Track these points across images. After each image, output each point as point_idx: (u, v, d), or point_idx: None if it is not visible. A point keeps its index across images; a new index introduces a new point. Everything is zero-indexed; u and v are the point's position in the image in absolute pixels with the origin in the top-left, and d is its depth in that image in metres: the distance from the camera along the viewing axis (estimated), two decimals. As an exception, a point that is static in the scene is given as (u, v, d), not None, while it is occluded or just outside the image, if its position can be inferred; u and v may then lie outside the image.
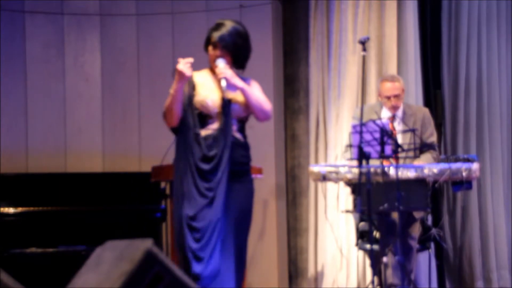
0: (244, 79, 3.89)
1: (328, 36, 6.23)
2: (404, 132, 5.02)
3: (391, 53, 5.99)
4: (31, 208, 5.86)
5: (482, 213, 6.10)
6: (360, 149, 4.54)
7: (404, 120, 5.13)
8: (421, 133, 5.14)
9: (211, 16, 6.66)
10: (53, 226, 5.87)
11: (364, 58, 4.82)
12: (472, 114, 6.17)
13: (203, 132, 3.76)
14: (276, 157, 6.49)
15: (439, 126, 6.25)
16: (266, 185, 6.25)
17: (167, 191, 5.81)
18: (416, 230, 5.03)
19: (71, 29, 6.70)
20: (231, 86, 3.79)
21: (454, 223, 6.16)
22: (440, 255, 6.04)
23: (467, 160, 4.81)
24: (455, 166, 4.75)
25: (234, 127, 3.80)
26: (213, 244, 3.65)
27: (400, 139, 4.97)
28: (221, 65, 3.81)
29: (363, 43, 4.77)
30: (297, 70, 6.54)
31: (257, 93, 3.85)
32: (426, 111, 5.36)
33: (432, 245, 5.43)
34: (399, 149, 4.75)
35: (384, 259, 4.76)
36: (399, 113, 5.21)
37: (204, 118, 3.79)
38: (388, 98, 5.15)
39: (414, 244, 5.00)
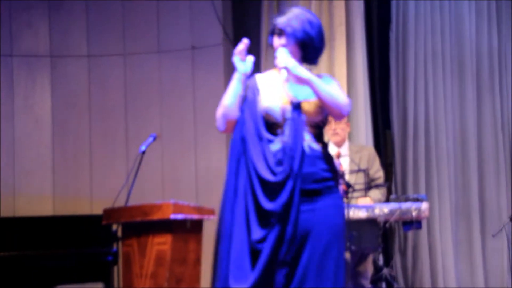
0: (317, 76, 3.13)
1: (279, 77, 6.26)
2: (353, 172, 5.07)
3: (341, 93, 6.06)
4: (-22, 254, 5.74)
5: (432, 252, 6.17)
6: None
7: (350, 157, 5.19)
8: (368, 170, 5.20)
9: (163, 57, 6.69)
10: (1, 272, 5.74)
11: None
12: (420, 154, 6.27)
13: (272, 147, 3.06)
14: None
15: (389, 165, 6.34)
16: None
17: (119, 234, 5.75)
18: (368, 270, 5.06)
19: (21, 71, 6.65)
20: (297, 81, 3.08)
21: (405, 263, 6.22)
22: (392, 294, 6.08)
23: (417, 200, 4.87)
24: (405, 206, 4.81)
25: (308, 136, 3.09)
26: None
27: (347, 177, 5.02)
28: (282, 53, 3.10)
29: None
30: (249, 110, 6.57)
31: (328, 86, 3.07)
32: (371, 148, 5.45)
33: (384, 285, 5.46)
34: (350, 189, 4.79)
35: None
36: (345, 150, 5.26)
37: (270, 127, 3.09)
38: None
39: (367, 284, 5.03)
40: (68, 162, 6.64)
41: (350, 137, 5.65)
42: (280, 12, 3.23)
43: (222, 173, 6.44)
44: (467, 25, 6.48)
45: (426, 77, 6.37)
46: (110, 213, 5.25)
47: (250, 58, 3.12)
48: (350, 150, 5.30)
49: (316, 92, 3.03)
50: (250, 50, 3.09)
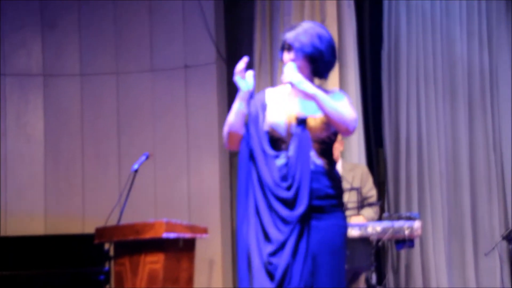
0: (326, 91, 3.12)
1: (271, 96, 6.28)
2: (346, 190, 5.07)
3: (334, 112, 6.08)
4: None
5: (425, 271, 6.16)
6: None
7: (343, 175, 5.20)
8: (361, 188, 5.21)
9: (156, 76, 6.71)
10: (-8, 291, 5.71)
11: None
12: (413, 172, 6.28)
13: (277, 162, 3.06)
14: (222, 216, 6.47)
15: (382, 184, 6.35)
16: (211, 244, 6.21)
17: (111, 253, 5.72)
18: (361, 289, 5.05)
19: (14, 90, 6.65)
20: (304, 96, 3.06)
21: (398, 281, 6.20)
22: (386, 313, 6.07)
23: (409, 218, 4.87)
24: (397, 224, 4.81)
25: (314, 152, 3.07)
26: None
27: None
28: (289, 68, 3.08)
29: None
30: (242, 129, 6.58)
31: (334, 102, 3.04)
32: (364, 167, 5.46)
33: (377, 303, 5.45)
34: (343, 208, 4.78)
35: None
36: (338, 168, 5.27)
37: (275, 142, 3.09)
38: None
39: (360, 303, 5.01)
40: (60, 181, 6.62)
41: (343, 155, 5.66)
42: (290, 27, 3.21)
43: (215, 192, 6.48)
44: (458, 45, 6.52)
45: (418, 96, 6.40)
46: (102, 232, 5.23)
47: (250, 73, 3.11)
48: (343, 168, 5.31)
49: (321, 108, 3.01)
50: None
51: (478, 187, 6.40)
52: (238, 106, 3.10)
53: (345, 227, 3.09)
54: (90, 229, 5.69)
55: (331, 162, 3.12)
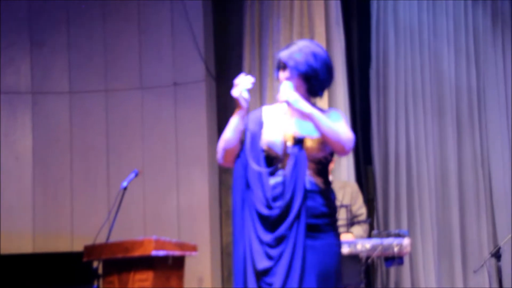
0: (322, 111, 3.11)
1: (261, 113, 6.30)
2: (338, 208, 5.07)
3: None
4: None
5: (414, 288, 6.17)
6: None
7: (334, 193, 5.21)
8: (351, 206, 5.22)
9: (145, 94, 6.71)
10: (-21, 310, 5.66)
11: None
12: (402, 189, 6.30)
13: (272, 180, 3.05)
14: (211, 233, 6.46)
15: (371, 201, 6.36)
16: (201, 262, 6.19)
17: (100, 271, 5.69)
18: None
19: (2, 107, 6.63)
20: (300, 115, 3.05)
21: (387, 298, 6.21)
22: (375, 330, 6.06)
23: (399, 236, 4.88)
24: (387, 241, 4.81)
25: (310, 172, 3.07)
26: None
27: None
28: (284, 87, 3.08)
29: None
30: (231, 146, 6.58)
31: (330, 122, 3.03)
32: (354, 185, 5.48)
33: (367, 321, 5.44)
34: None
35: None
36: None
37: (271, 161, 3.08)
38: None
39: (349, 320, 5.00)
40: (48, 198, 6.60)
41: (332, 172, 5.67)
42: (286, 46, 3.20)
43: (204, 209, 6.47)
44: (446, 62, 6.57)
45: (406, 114, 6.43)
46: (91, 250, 5.21)
47: (246, 94, 3.07)
48: (333, 186, 5.31)
49: (317, 127, 3.00)
50: (232, 87, 3.09)
51: (466, 204, 6.42)
52: (236, 122, 3.08)
53: (339, 246, 3.09)
54: (78, 247, 5.66)
55: (327, 182, 3.13)
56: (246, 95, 3.06)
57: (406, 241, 4.82)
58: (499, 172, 6.51)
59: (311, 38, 6.03)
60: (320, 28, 6.07)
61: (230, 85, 3.14)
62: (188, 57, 6.63)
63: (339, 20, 6.19)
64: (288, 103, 3.02)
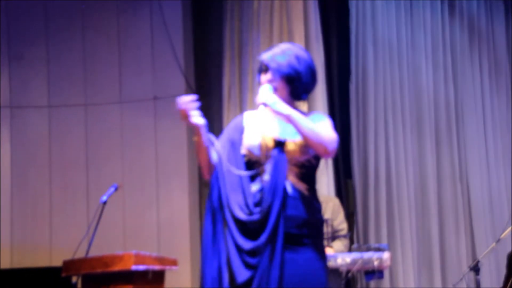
0: (305, 114, 3.01)
1: (241, 127, 6.31)
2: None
3: (302, 144, 6.12)
4: None
5: (394, 302, 6.19)
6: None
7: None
8: (332, 221, 5.24)
9: (125, 108, 6.69)
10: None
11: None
12: (382, 203, 6.33)
13: (254, 187, 2.95)
14: (191, 247, 6.44)
15: (351, 215, 6.38)
16: (181, 276, 6.17)
17: (79, 286, 5.64)
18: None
19: (-20, 121, 6.59)
20: (282, 118, 2.96)
21: (368, 312, 6.22)
22: None
23: (379, 250, 4.90)
24: (367, 255, 4.83)
25: (293, 177, 2.94)
26: None
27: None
28: (263, 89, 2.99)
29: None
30: (211, 161, 6.58)
31: (311, 123, 2.93)
32: (336, 200, 5.50)
33: (347, 335, 5.45)
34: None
35: None
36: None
37: (252, 166, 2.97)
38: None
39: (330, 334, 5.01)
40: (27, 213, 6.54)
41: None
42: (269, 48, 3.14)
43: (184, 223, 6.45)
44: (424, 77, 6.64)
45: (386, 128, 6.47)
46: (70, 264, 5.16)
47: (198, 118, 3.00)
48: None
49: (297, 128, 2.90)
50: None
51: (445, 218, 6.47)
52: (198, 143, 3.01)
53: (325, 259, 2.93)
54: (57, 261, 5.61)
55: (312, 189, 2.98)
56: (198, 118, 2.99)
57: (386, 255, 4.85)
58: (477, 185, 6.57)
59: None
60: (299, 44, 6.10)
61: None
62: (168, 71, 6.63)
63: (319, 35, 6.23)
64: (265, 105, 2.95)
